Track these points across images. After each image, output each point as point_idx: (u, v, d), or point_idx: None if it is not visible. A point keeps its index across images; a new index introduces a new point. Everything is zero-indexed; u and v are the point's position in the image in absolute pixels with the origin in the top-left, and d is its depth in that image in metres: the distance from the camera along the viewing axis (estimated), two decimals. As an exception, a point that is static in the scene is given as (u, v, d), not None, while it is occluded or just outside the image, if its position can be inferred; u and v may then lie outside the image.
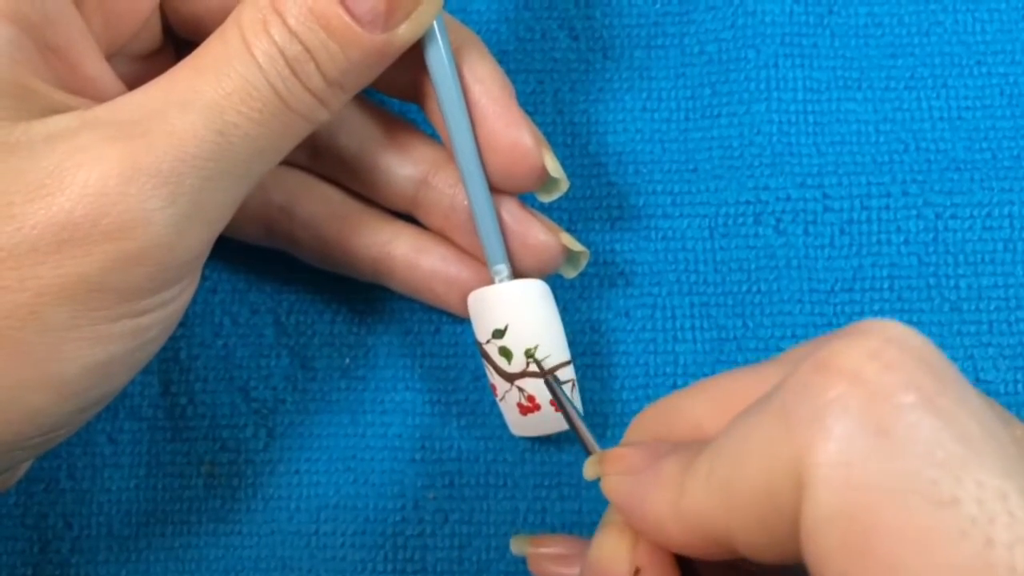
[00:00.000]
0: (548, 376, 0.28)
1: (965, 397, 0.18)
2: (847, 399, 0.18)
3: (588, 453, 0.25)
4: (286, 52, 0.23)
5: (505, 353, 0.28)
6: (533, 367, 0.28)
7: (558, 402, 0.27)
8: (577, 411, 0.26)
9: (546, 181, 0.28)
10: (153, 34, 0.28)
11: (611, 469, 0.23)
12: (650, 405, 0.24)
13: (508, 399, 0.29)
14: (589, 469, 0.24)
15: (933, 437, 0.17)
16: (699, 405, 0.23)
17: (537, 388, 0.28)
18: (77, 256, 0.22)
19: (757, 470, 0.18)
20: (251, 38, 0.23)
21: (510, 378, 0.28)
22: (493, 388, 0.29)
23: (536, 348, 0.28)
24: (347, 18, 0.23)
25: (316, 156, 0.30)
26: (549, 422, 0.29)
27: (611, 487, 0.23)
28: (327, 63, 0.24)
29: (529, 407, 0.28)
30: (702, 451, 0.20)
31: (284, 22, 0.23)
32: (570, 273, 0.30)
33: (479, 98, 0.27)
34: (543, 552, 0.27)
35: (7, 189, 0.22)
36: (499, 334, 0.28)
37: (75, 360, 0.23)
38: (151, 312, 0.24)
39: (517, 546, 0.27)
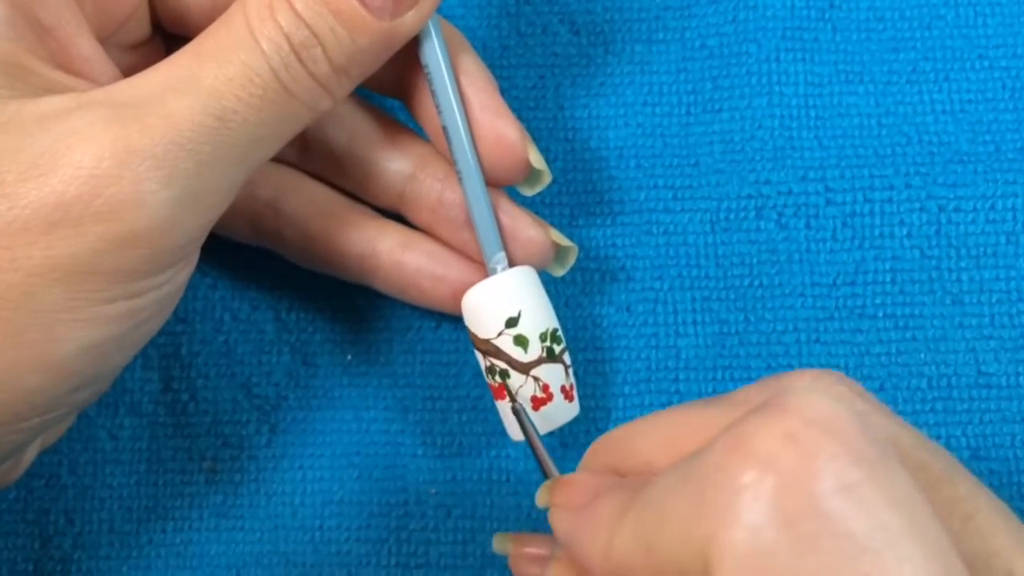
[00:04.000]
0: (516, 404, 0.28)
1: (890, 484, 0.17)
2: (758, 486, 0.17)
3: (546, 477, 0.25)
4: (292, 38, 0.23)
5: (520, 341, 0.28)
6: (547, 352, 0.28)
7: (522, 426, 0.27)
8: (537, 434, 0.27)
9: (530, 174, 0.28)
10: (141, 24, 0.28)
11: (557, 500, 0.23)
12: (604, 436, 0.24)
13: (521, 395, 0.28)
14: (540, 496, 0.24)
15: (846, 529, 0.16)
16: (648, 441, 0.22)
17: (551, 375, 0.28)
18: (69, 237, 0.21)
19: (673, 541, 0.18)
20: (257, 24, 0.23)
21: (525, 369, 0.28)
22: (498, 391, 0.29)
23: (548, 331, 0.28)
24: (356, 3, 0.24)
25: (305, 151, 0.30)
26: (560, 413, 0.29)
27: (554, 520, 0.23)
28: (334, 48, 0.24)
29: (543, 398, 0.28)
30: (637, 497, 0.20)
31: (292, 7, 0.23)
32: (558, 271, 0.30)
33: (465, 91, 0.28)
34: (524, 552, 0.26)
35: None
36: (513, 322, 0.28)
37: (70, 341, 0.22)
38: (146, 294, 0.23)
39: (499, 544, 0.27)
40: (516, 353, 0.28)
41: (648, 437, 0.23)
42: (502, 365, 0.28)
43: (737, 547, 0.17)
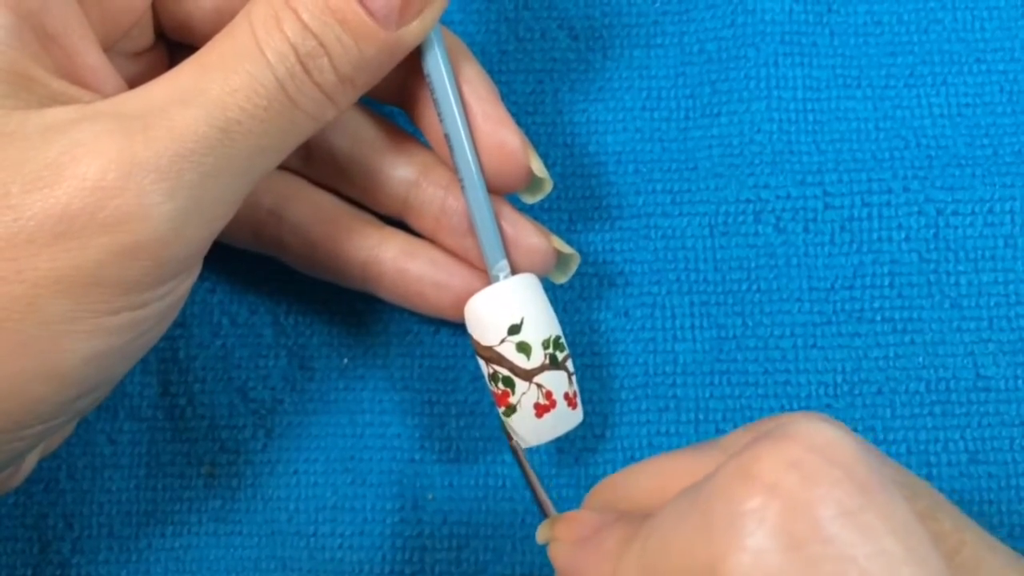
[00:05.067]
0: (513, 443, 0.28)
1: (891, 512, 0.17)
2: (763, 511, 0.17)
3: (544, 515, 0.26)
4: (299, 48, 0.23)
5: (524, 349, 0.28)
6: (550, 359, 0.28)
7: (520, 466, 0.28)
8: (536, 473, 0.27)
9: (531, 182, 0.29)
10: (145, 32, 0.28)
11: (558, 534, 0.23)
12: (600, 482, 0.25)
13: (524, 402, 0.28)
14: (541, 533, 0.24)
15: (849, 554, 0.17)
16: (641, 486, 0.23)
17: (555, 382, 0.28)
18: (73, 249, 0.22)
19: (679, 567, 0.18)
20: (263, 35, 0.23)
21: (528, 376, 0.28)
22: (501, 398, 0.28)
23: (550, 338, 0.28)
24: (363, 13, 0.24)
25: (308, 158, 0.30)
26: (563, 420, 0.29)
27: (555, 553, 0.23)
28: (341, 58, 0.24)
29: (546, 405, 0.28)
30: (640, 529, 0.20)
31: (298, 17, 0.23)
32: (559, 279, 0.30)
33: (467, 98, 0.28)
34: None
35: (4, 179, 0.22)
36: (515, 329, 0.28)
37: (75, 352, 0.23)
38: (149, 305, 0.24)
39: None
40: (519, 360, 0.28)
41: (641, 482, 0.23)
42: (505, 372, 0.28)
43: (742, 570, 0.17)
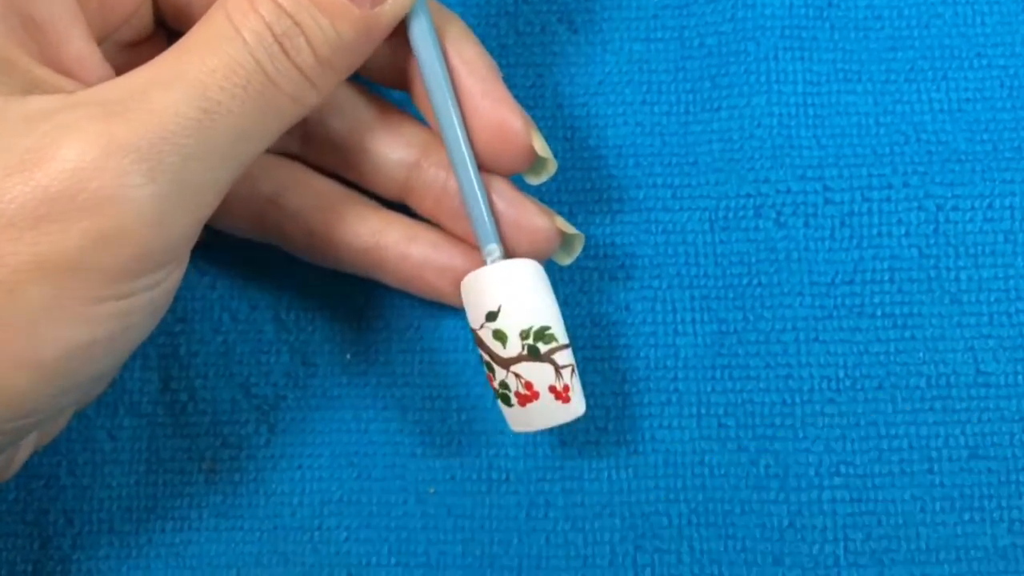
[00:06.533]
0: None
1: None
2: None
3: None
4: (274, 28, 0.23)
5: (499, 337, 0.27)
6: (528, 350, 0.27)
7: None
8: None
9: (534, 161, 0.28)
10: (144, 21, 0.28)
11: None
12: None
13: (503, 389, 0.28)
14: None
15: None
16: None
17: (534, 373, 0.27)
18: (54, 232, 0.21)
19: None
20: (238, 17, 0.23)
21: (505, 364, 0.27)
22: (490, 379, 0.28)
23: (531, 329, 0.27)
24: None
25: (307, 142, 0.30)
26: (550, 413, 0.28)
27: None
28: (318, 38, 0.24)
29: (527, 395, 0.28)
30: None
31: None
32: (564, 260, 0.30)
33: (465, 77, 0.27)
34: None
35: None
36: (492, 317, 0.27)
37: (56, 341, 0.22)
38: (136, 295, 0.23)
39: None
40: (496, 347, 0.27)
41: None
42: (486, 357, 0.28)
43: None
